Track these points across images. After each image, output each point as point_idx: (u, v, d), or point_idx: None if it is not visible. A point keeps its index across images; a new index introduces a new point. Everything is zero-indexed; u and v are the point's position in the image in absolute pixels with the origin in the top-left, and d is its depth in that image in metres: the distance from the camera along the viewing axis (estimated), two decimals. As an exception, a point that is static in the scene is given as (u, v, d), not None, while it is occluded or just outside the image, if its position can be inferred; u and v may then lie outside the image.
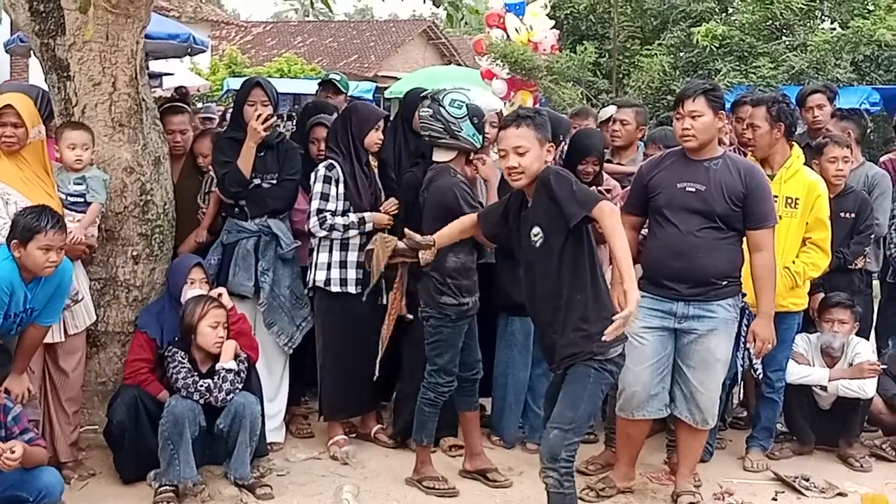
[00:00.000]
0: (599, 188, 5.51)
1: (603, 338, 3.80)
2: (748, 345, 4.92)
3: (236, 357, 4.86)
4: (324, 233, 5.33)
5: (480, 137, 5.06)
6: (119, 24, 5.13)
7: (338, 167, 5.38)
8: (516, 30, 10.18)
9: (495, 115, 5.65)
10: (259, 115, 5.29)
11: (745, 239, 4.79)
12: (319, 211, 5.32)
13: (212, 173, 5.63)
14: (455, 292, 4.92)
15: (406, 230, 4.47)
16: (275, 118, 5.41)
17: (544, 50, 10.45)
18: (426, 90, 5.47)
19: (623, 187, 5.77)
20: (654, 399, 4.84)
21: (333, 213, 5.34)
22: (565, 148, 5.76)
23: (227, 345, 4.83)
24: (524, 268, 4.23)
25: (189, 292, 5.01)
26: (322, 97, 6.87)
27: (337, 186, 5.36)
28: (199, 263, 5.19)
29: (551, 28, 10.55)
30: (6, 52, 14.21)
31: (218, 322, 4.83)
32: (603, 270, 4.30)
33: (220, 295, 5.01)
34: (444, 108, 4.94)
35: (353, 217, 5.37)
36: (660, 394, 4.84)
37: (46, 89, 5.46)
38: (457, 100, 4.97)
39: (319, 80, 7.55)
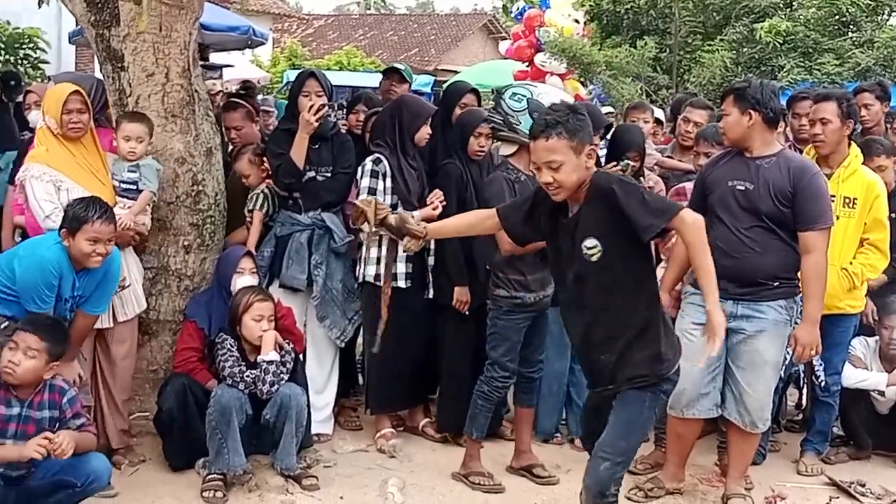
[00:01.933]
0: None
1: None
2: (789, 349, 4.79)
3: (281, 349, 4.87)
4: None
5: None
6: (172, 15, 5.18)
7: (385, 161, 5.35)
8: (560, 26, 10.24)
9: None
10: (311, 106, 5.30)
11: None
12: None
13: (255, 191, 5.60)
14: (508, 285, 4.88)
15: (401, 212, 4.22)
16: (326, 109, 5.40)
17: (577, 34, 10.57)
18: (466, 83, 5.44)
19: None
20: (704, 398, 4.76)
21: None
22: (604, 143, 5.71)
23: (266, 337, 4.83)
24: (571, 279, 3.74)
25: (239, 281, 5.04)
26: (386, 86, 6.83)
27: (384, 181, 5.34)
28: (248, 253, 5.22)
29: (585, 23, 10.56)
30: (70, 42, 14.45)
31: (262, 315, 4.84)
32: None
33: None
34: (504, 100, 4.91)
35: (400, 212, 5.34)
36: (710, 393, 4.76)
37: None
38: (518, 93, 4.94)
39: (383, 70, 7.50)
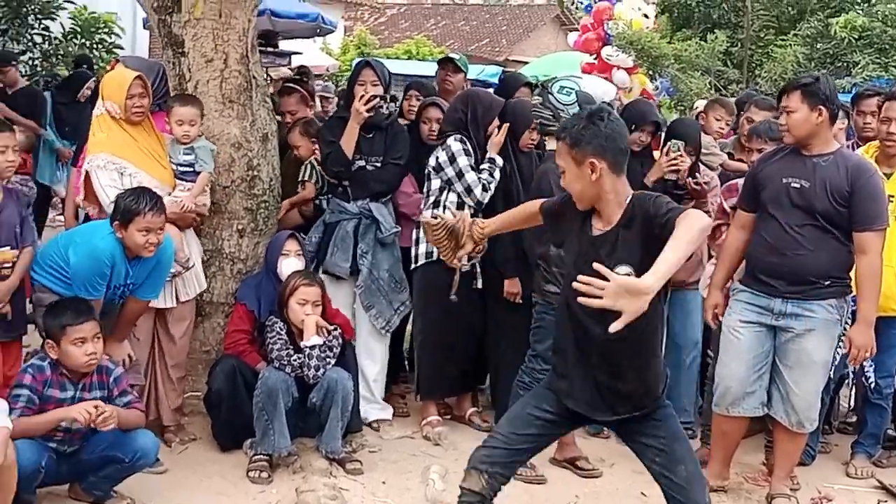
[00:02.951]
0: (696, 179, 5.39)
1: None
2: (843, 351, 4.71)
3: (328, 333, 4.92)
4: (488, 196, 5.32)
5: None
6: (232, 2, 5.28)
7: (466, 141, 5.38)
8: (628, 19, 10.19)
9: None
10: (362, 97, 5.34)
11: None
12: (478, 180, 5.32)
13: (306, 163, 5.73)
14: (559, 281, 4.87)
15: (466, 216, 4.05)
16: (377, 100, 5.42)
17: (647, 27, 10.48)
18: (523, 76, 5.41)
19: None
20: (750, 396, 4.71)
21: (480, 178, 5.33)
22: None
23: (307, 321, 4.88)
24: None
25: (284, 264, 5.11)
26: (442, 76, 6.87)
27: (470, 157, 5.37)
28: (293, 235, 5.29)
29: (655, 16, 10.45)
30: (145, 28, 14.70)
31: (306, 300, 4.90)
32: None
33: None
34: (552, 95, 4.90)
35: (486, 166, 5.36)
36: (757, 391, 4.70)
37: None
38: (566, 87, 4.92)
39: (438, 60, 7.56)
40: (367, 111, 5.35)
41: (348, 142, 5.39)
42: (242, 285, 5.35)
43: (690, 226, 3.19)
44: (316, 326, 4.88)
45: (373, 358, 5.61)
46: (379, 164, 5.51)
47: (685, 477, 3.56)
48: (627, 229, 3.41)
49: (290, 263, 5.11)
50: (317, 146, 5.76)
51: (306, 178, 5.80)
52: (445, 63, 6.92)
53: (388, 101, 5.51)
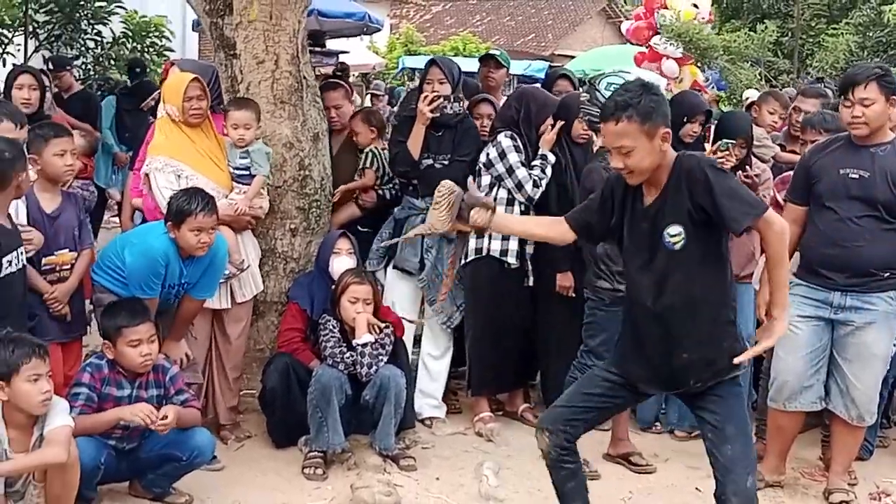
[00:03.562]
0: (746, 172, 5.34)
1: (734, 361, 3.51)
2: None
3: (380, 331, 4.96)
4: (539, 193, 5.34)
5: None
6: (282, 3, 5.31)
7: (517, 138, 5.40)
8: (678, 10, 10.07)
9: None
10: (425, 97, 5.37)
11: None
12: (529, 175, 5.34)
13: (367, 150, 5.78)
14: (610, 277, 4.87)
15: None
16: (441, 100, 5.44)
17: (702, 18, 10.33)
18: (567, 71, 5.39)
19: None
20: (807, 391, 4.67)
21: (531, 174, 5.35)
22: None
23: (359, 320, 4.91)
24: (648, 269, 3.57)
25: (335, 262, 5.15)
26: (484, 73, 6.90)
27: (520, 154, 5.39)
28: (344, 233, 5.33)
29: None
30: (194, 30, 14.90)
31: (357, 298, 4.94)
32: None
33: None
34: (599, 92, 4.87)
35: (538, 162, 5.38)
36: (814, 385, 4.66)
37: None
38: (613, 83, 4.88)
39: (480, 57, 7.58)
40: (431, 111, 5.37)
41: (415, 142, 5.44)
42: (295, 284, 5.40)
43: (781, 241, 3.43)
44: (367, 324, 4.91)
45: (436, 354, 5.65)
46: (447, 162, 5.52)
47: (729, 457, 3.52)
48: (676, 190, 3.44)
49: (342, 262, 5.15)
50: (374, 134, 5.85)
51: (367, 166, 5.83)
52: (487, 60, 6.96)
53: (454, 100, 5.50)
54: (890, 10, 13.85)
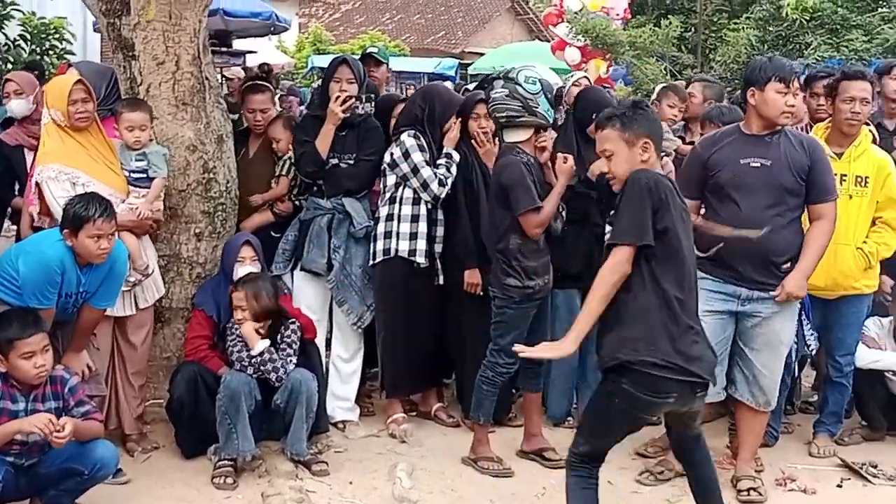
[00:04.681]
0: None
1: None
2: (775, 296, 4.65)
3: (269, 328, 4.88)
4: (445, 192, 5.34)
5: (552, 112, 5.03)
6: (182, 3, 5.21)
7: (421, 136, 5.39)
8: None
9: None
10: (337, 98, 5.31)
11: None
12: (434, 175, 5.33)
13: (284, 157, 5.70)
14: (520, 274, 4.86)
15: None
16: (353, 99, 5.39)
17: (617, 15, 10.38)
18: (397, 96, 5.37)
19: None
20: (711, 382, 4.74)
21: (436, 173, 5.34)
22: None
23: (243, 332, 4.85)
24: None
25: (240, 270, 5.05)
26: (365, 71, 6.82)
27: (425, 153, 5.37)
28: (248, 241, 5.22)
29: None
30: (95, 31, 14.51)
31: (237, 305, 4.87)
32: None
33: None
34: (520, 85, 4.87)
35: (443, 161, 5.37)
36: (717, 377, 4.72)
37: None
38: (531, 76, 4.91)
39: (359, 56, 7.50)
40: (343, 112, 5.32)
41: (323, 142, 5.37)
42: (199, 291, 5.29)
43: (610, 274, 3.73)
44: (253, 331, 4.84)
45: (347, 355, 5.60)
46: (352, 162, 5.47)
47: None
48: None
49: (245, 270, 5.05)
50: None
51: (283, 174, 5.74)
52: (366, 58, 6.80)
53: (364, 99, 5.45)
54: (788, 5, 14.17)
